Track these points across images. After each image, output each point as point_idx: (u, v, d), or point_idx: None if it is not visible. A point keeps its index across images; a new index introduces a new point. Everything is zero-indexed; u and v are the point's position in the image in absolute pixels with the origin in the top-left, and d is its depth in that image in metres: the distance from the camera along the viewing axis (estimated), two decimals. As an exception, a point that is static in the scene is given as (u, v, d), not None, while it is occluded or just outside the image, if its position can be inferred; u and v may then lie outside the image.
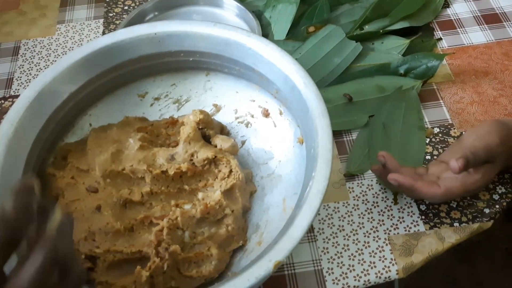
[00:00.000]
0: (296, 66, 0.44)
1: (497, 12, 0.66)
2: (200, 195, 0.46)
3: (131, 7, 0.70)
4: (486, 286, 0.69)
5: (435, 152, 0.53)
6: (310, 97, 0.42)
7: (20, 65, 0.65)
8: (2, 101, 0.61)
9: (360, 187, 0.51)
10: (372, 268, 0.46)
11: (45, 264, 0.28)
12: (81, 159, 0.47)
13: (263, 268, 0.36)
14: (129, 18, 0.63)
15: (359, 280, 0.45)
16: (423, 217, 0.48)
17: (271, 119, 0.50)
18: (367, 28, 0.61)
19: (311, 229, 0.48)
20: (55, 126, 0.47)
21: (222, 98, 0.52)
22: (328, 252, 0.47)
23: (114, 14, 0.70)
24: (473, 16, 0.65)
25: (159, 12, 0.65)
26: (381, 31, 0.60)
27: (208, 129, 0.49)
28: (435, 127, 0.55)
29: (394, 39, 0.61)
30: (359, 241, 0.48)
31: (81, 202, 0.45)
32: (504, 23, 0.64)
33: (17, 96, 0.62)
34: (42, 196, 0.44)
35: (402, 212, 0.49)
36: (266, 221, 0.46)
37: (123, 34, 0.48)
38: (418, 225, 0.48)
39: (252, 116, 0.51)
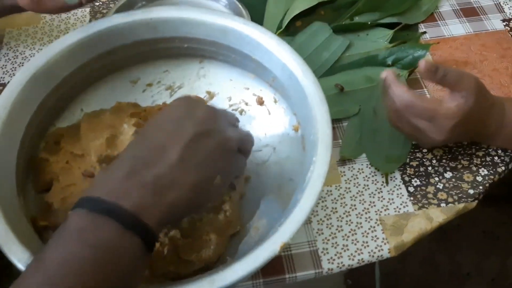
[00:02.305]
0: (293, 54, 0.45)
1: (475, 6, 0.69)
2: None
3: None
4: (464, 268, 0.72)
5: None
6: (308, 84, 0.44)
7: (5, 53, 0.64)
8: (-13, 89, 0.60)
9: (351, 171, 0.53)
10: (365, 247, 0.47)
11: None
12: (74, 144, 0.46)
13: (270, 249, 0.37)
14: (116, 7, 0.63)
15: (353, 259, 0.47)
16: (411, 198, 0.51)
17: (265, 107, 0.51)
18: (357, 19, 0.63)
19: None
20: (47, 111, 0.46)
21: (215, 86, 0.53)
22: (322, 233, 0.49)
23: (101, 3, 0.69)
24: (453, 9, 0.68)
25: (146, 1, 0.65)
26: (369, 23, 0.62)
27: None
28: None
29: (379, 31, 0.63)
30: (351, 222, 0.49)
31: (77, 187, 0.44)
32: (482, 16, 0.67)
33: (2, 84, 0.60)
34: (35, 181, 0.44)
35: (392, 194, 0.51)
36: (262, 207, 0.47)
37: (118, 19, 0.48)
38: (407, 206, 0.50)
39: (246, 104, 0.52)
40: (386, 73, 0.48)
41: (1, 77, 0.61)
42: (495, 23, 0.66)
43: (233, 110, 0.52)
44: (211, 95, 0.53)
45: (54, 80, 0.46)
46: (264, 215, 0.47)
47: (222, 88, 0.52)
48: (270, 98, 0.51)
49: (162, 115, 0.38)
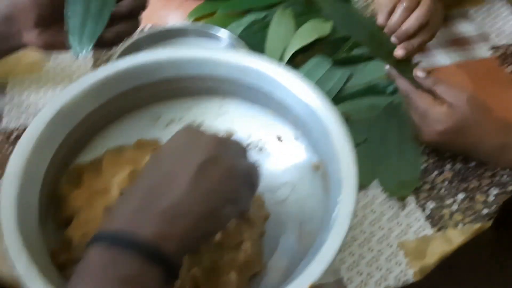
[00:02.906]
0: (315, 92, 0.47)
1: (461, 36, 0.72)
2: None
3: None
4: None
5: (430, 160, 0.56)
6: (331, 122, 0.44)
7: (9, 100, 0.63)
8: (-8, 135, 0.60)
9: (366, 197, 0.54)
10: (390, 273, 0.48)
11: None
12: (96, 179, 0.46)
13: None
14: (121, 49, 0.64)
15: (379, 286, 0.47)
16: (429, 221, 0.51)
17: (285, 145, 0.52)
18: (355, 52, 0.65)
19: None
20: (69, 147, 0.46)
21: (236, 123, 0.53)
22: (345, 262, 0.48)
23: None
24: (441, 40, 0.72)
25: (151, 43, 0.67)
26: (366, 54, 0.65)
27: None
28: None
29: (377, 61, 0.66)
30: (373, 249, 0.49)
31: (98, 222, 0.43)
32: (468, 46, 0.71)
33: (9, 130, 0.60)
34: (56, 216, 0.44)
35: (409, 218, 0.52)
36: (282, 246, 0.47)
37: (144, 57, 0.49)
38: (425, 229, 0.51)
39: (266, 142, 0.53)
40: (389, 69, 0.55)
41: (7, 123, 0.61)
42: (482, 52, 0.70)
43: (252, 147, 0.53)
44: (230, 132, 0.53)
45: (77, 116, 0.46)
46: (284, 255, 0.46)
47: (242, 125, 0.53)
48: (290, 136, 0.51)
49: (169, 143, 0.38)
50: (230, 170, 0.37)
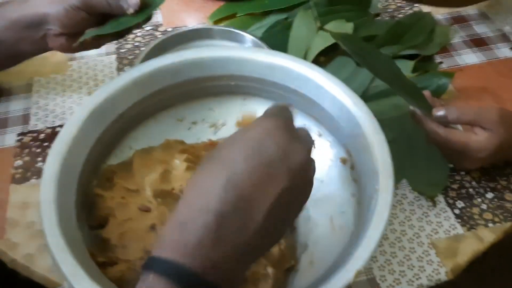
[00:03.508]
0: (343, 86, 0.47)
1: (483, 36, 0.72)
2: None
3: (141, 43, 0.72)
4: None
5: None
6: (361, 114, 0.45)
7: (35, 101, 0.64)
8: (22, 137, 0.60)
9: (395, 197, 0.54)
10: (422, 272, 0.47)
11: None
12: (128, 180, 0.46)
13: (344, 278, 0.36)
14: (146, 50, 0.64)
15: (412, 284, 0.47)
16: (459, 220, 0.51)
17: (310, 142, 0.52)
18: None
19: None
20: (100, 148, 0.46)
21: (258, 122, 0.54)
22: (377, 261, 0.48)
23: (126, 50, 0.71)
24: (463, 41, 0.72)
25: (175, 45, 0.67)
26: (390, 55, 0.65)
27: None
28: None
29: (401, 62, 0.66)
30: (404, 248, 0.49)
31: (134, 222, 0.44)
32: (490, 45, 0.71)
33: (36, 131, 0.60)
34: (90, 218, 0.44)
35: (439, 217, 0.52)
36: (314, 240, 0.47)
37: (171, 58, 0.49)
38: (456, 228, 0.51)
39: (290, 139, 0.53)
40: (412, 110, 0.52)
41: (35, 124, 0.61)
42: (505, 51, 0.70)
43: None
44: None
45: (109, 117, 0.47)
46: (316, 249, 0.46)
47: (265, 123, 0.53)
48: (314, 132, 0.52)
49: (251, 143, 0.31)
50: (308, 195, 0.34)
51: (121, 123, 0.49)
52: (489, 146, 0.48)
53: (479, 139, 0.48)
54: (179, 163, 0.48)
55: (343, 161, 0.49)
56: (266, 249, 0.34)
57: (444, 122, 0.50)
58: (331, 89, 0.48)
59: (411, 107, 0.52)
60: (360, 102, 0.46)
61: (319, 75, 0.49)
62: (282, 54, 0.51)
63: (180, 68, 0.50)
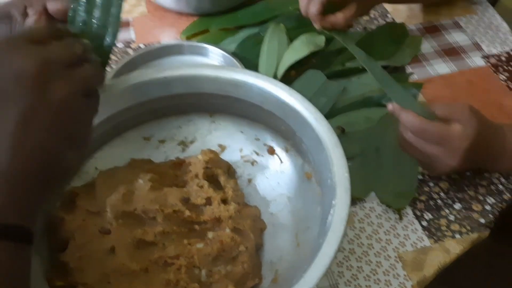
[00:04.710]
0: (305, 102, 0.47)
1: (454, 46, 0.73)
2: (210, 234, 0.46)
3: (113, 61, 0.72)
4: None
5: (426, 171, 0.56)
6: (322, 130, 0.45)
7: None
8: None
9: (363, 210, 0.53)
10: (388, 286, 0.47)
11: (71, 40, 0.35)
12: (90, 202, 0.46)
13: None
14: (116, 69, 0.65)
15: (378, 300, 0.46)
16: (426, 232, 0.51)
17: (277, 156, 0.52)
18: (348, 64, 0.66)
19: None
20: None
21: (227, 138, 0.54)
22: (343, 276, 0.48)
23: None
24: (435, 50, 0.72)
25: (146, 62, 0.67)
26: (360, 67, 0.65)
27: (216, 168, 0.50)
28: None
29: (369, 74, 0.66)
30: (371, 262, 0.49)
31: (93, 244, 0.43)
32: (463, 54, 0.71)
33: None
34: (51, 241, 0.44)
35: (406, 230, 0.51)
36: (279, 257, 0.47)
37: (134, 78, 0.49)
38: (423, 240, 0.51)
39: (258, 154, 0.53)
40: (392, 105, 0.50)
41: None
42: (476, 60, 0.70)
43: (245, 161, 0.53)
44: (222, 147, 0.54)
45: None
46: (281, 266, 0.46)
47: (233, 140, 0.54)
48: (281, 147, 0.52)
49: None
50: (60, 107, 0.31)
51: (85, 143, 0.49)
52: (468, 136, 0.47)
53: (457, 129, 0.47)
54: (142, 183, 0.48)
55: (308, 176, 0.49)
56: (52, 175, 0.32)
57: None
58: (294, 105, 0.48)
59: (389, 105, 0.50)
60: (321, 118, 0.46)
61: (281, 91, 0.49)
62: (246, 71, 0.51)
63: (145, 87, 0.50)
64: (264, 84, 0.49)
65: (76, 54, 0.35)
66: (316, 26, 0.61)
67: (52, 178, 0.33)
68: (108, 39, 0.44)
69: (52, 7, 0.51)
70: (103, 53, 0.44)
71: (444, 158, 0.48)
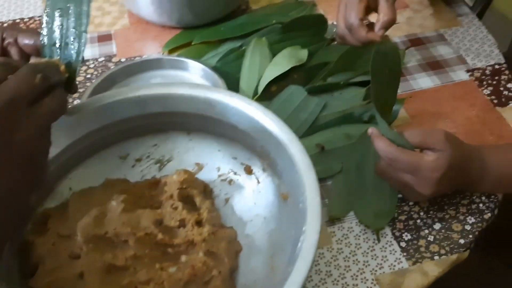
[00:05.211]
0: (279, 123, 0.46)
1: (439, 59, 0.72)
2: (183, 258, 0.46)
3: (93, 75, 0.71)
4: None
5: (407, 190, 0.55)
6: (295, 152, 0.44)
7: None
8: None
9: (341, 230, 0.53)
10: (365, 310, 0.46)
11: (29, 71, 0.33)
12: (62, 225, 0.45)
13: None
14: (95, 84, 0.64)
15: (354, 324, 0.45)
16: (404, 253, 0.50)
17: (254, 176, 0.52)
18: (330, 80, 0.65)
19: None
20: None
21: (204, 157, 0.53)
22: (320, 300, 0.47)
23: (77, 82, 0.70)
24: (419, 64, 0.72)
25: (125, 77, 0.66)
26: (341, 82, 0.64)
27: (191, 188, 0.49)
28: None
29: (352, 89, 0.65)
30: (348, 285, 0.48)
31: (63, 270, 0.43)
32: (446, 68, 0.71)
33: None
34: (21, 265, 0.43)
35: (385, 251, 0.51)
36: (254, 280, 0.46)
37: (108, 97, 0.48)
38: (401, 262, 0.50)
39: (235, 173, 0.52)
40: (371, 129, 0.49)
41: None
42: (460, 74, 0.70)
43: (222, 180, 0.52)
44: (199, 166, 0.53)
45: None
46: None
47: (211, 159, 0.53)
48: (258, 167, 0.51)
49: None
50: (24, 150, 0.31)
51: (58, 164, 0.48)
52: (440, 166, 0.47)
53: (430, 159, 0.47)
54: (115, 205, 0.47)
55: (285, 197, 0.49)
56: (15, 220, 0.32)
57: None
58: (267, 126, 0.47)
59: (370, 129, 0.51)
60: (295, 140, 0.46)
61: (256, 111, 0.48)
62: (220, 90, 0.50)
63: (119, 106, 0.49)
64: (239, 104, 0.49)
65: (36, 86, 0.34)
66: (378, 38, 0.58)
67: (14, 223, 0.33)
68: (74, 55, 0.44)
69: (22, 42, 0.51)
70: (71, 70, 0.44)
71: (417, 187, 0.48)
